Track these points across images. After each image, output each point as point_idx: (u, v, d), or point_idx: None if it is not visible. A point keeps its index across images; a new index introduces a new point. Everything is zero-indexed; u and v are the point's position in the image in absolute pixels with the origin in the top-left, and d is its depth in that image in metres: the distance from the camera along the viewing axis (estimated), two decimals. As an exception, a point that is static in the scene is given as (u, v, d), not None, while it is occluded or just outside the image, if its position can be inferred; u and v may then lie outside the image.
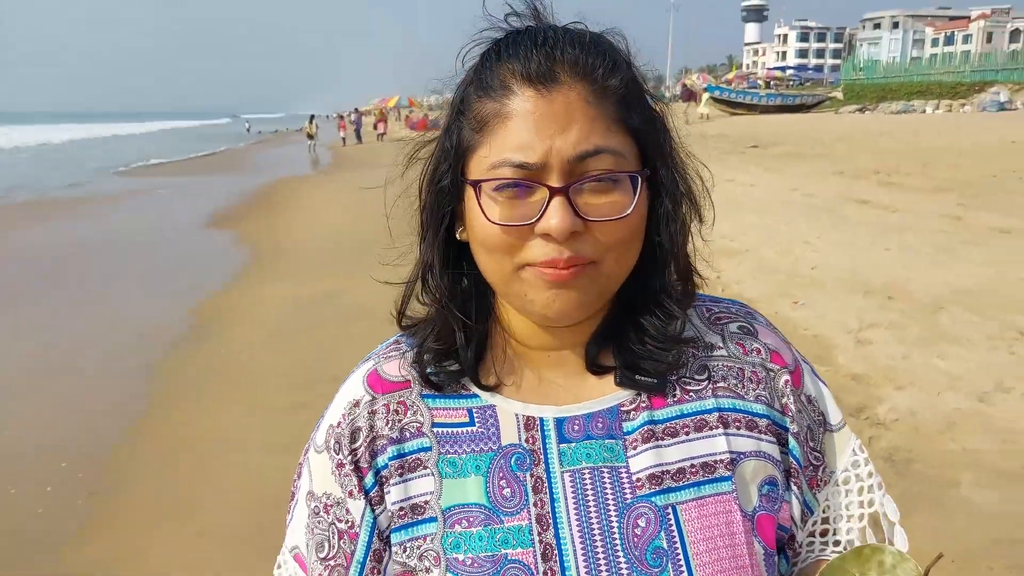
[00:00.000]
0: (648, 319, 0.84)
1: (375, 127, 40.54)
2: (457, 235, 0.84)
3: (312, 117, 36.18)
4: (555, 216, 0.73)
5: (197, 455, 4.16)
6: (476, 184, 0.77)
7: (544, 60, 0.76)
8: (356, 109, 42.89)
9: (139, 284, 8.43)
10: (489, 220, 0.76)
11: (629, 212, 0.75)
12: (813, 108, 42.01)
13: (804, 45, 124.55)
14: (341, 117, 40.39)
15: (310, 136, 34.18)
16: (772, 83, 59.38)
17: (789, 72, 71.54)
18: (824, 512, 0.90)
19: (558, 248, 0.75)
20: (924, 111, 37.26)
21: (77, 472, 4.04)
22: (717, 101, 41.51)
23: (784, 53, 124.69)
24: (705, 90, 44.48)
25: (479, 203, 0.77)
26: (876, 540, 0.89)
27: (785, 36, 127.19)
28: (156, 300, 7.64)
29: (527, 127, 0.75)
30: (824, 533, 0.90)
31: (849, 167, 13.87)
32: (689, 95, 37.58)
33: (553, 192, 0.74)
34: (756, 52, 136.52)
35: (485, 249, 0.79)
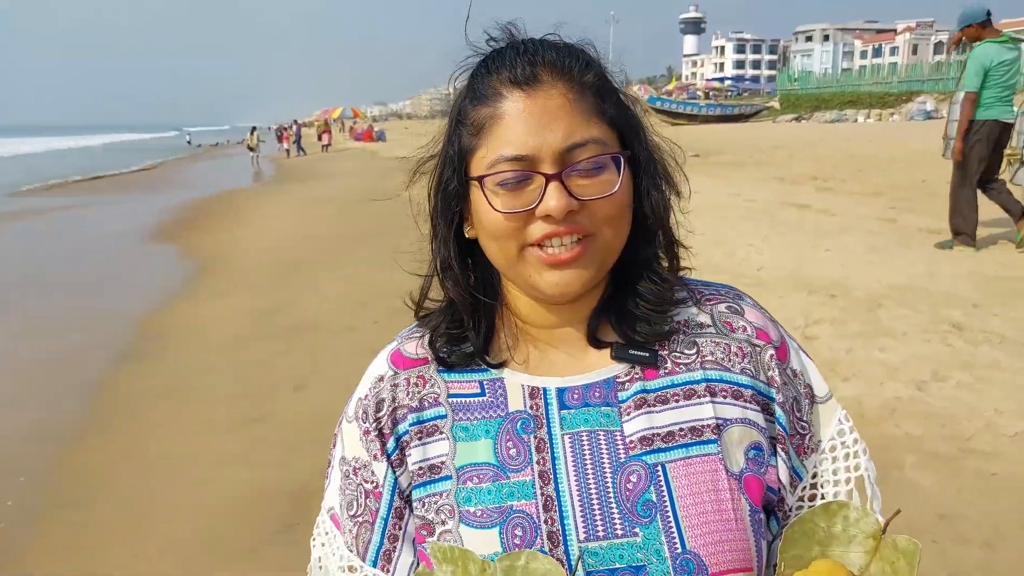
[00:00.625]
0: (643, 285, 0.95)
1: (319, 138, 40.21)
2: (466, 234, 0.95)
3: (254, 129, 35.66)
4: (553, 198, 0.84)
5: (149, 471, 4.10)
6: (480, 180, 0.87)
7: (527, 65, 0.87)
8: (295, 121, 42.45)
9: (76, 301, 8.21)
10: (495, 210, 0.86)
11: (616, 189, 0.87)
12: (751, 117, 43.17)
13: (741, 56, 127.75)
14: (285, 129, 39.89)
15: (251, 148, 33.71)
16: (711, 94, 60.87)
17: (727, 83, 73.42)
18: (813, 478, 0.97)
19: (556, 226, 0.85)
20: (856, 120, 38.62)
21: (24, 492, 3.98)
22: (658, 112, 42.35)
23: (722, 64, 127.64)
24: (647, 101, 45.32)
25: (485, 196, 0.87)
26: (860, 501, 0.95)
27: (722, 48, 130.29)
28: (95, 318, 7.46)
29: (519, 124, 0.85)
30: (813, 498, 0.96)
31: (788, 174, 14.35)
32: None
33: (549, 179, 0.84)
34: (695, 63, 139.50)
35: (492, 237, 0.89)
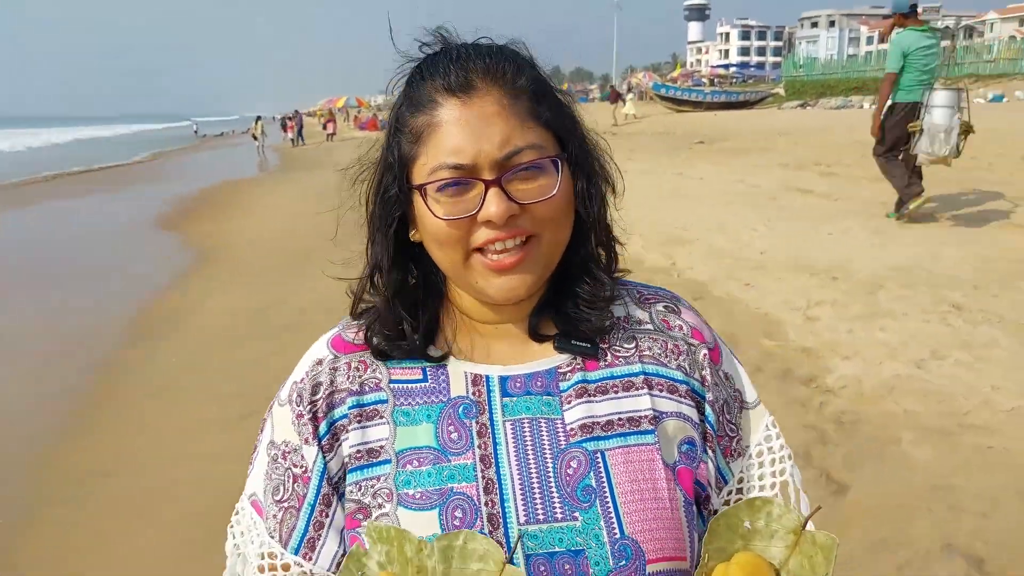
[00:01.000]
0: (580, 287, 0.97)
1: (324, 127, 40.17)
2: (411, 237, 0.95)
3: (258, 118, 35.77)
4: (493, 204, 0.85)
5: (140, 468, 4.14)
6: (422, 188, 0.88)
7: (460, 72, 0.88)
8: (296, 111, 42.39)
9: (75, 289, 8.32)
10: (437, 217, 0.87)
11: (555, 192, 0.88)
12: (756, 104, 42.98)
13: (746, 43, 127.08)
14: (289, 119, 39.88)
15: (255, 137, 33.83)
16: (716, 81, 60.65)
17: (732, 70, 73.09)
18: (739, 483, 1.00)
19: (499, 231, 0.87)
20: (862, 106, 38.46)
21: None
22: (663, 99, 42.22)
23: (727, 51, 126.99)
24: (651, 88, 45.22)
25: (426, 204, 0.88)
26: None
27: (727, 34, 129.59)
28: (91, 309, 7.53)
29: (456, 131, 0.86)
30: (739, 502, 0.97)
31: (791, 159, 14.36)
32: (615, 96, 36.27)
33: (488, 184, 0.85)
34: (700, 50, 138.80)
35: (437, 244, 0.90)
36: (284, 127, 40.30)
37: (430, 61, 0.91)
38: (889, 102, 7.53)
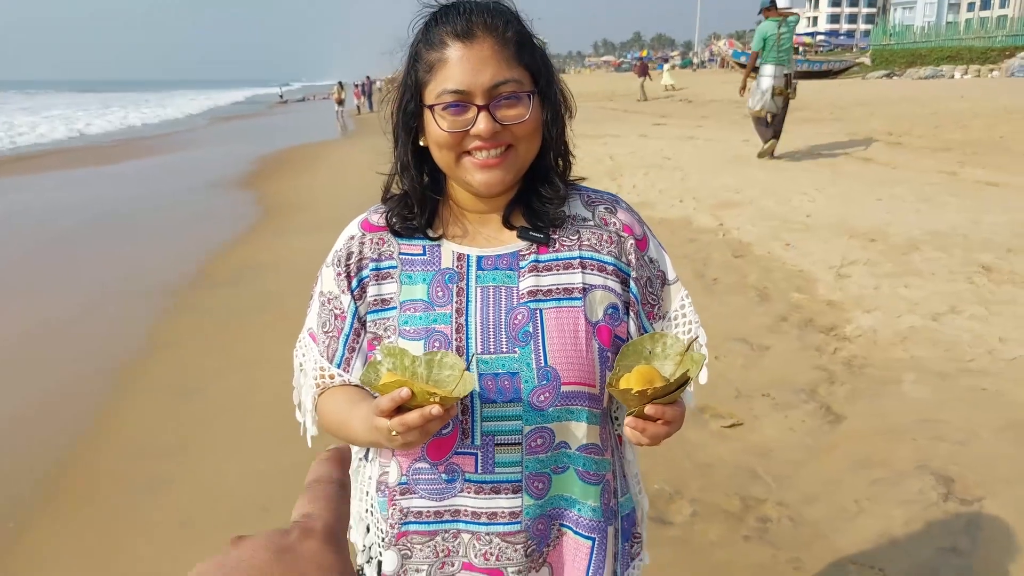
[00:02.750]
0: (543, 187, 1.29)
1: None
2: (420, 142, 1.25)
3: (340, 83, 36.63)
4: (482, 123, 1.16)
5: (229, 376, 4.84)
6: (431, 107, 1.18)
7: (465, 22, 1.16)
8: (367, 77, 42.67)
9: (172, 237, 9.13)
10: (441, 129, 1.17)
11: (527, 117, 1.18)
12: (840, 74, 41.60)
13: (836, 10, 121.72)
14: (357, 86, 40.30)
15: (339, 102, 34.66)
16: (801, 49, 58.64)
17: (819, 38, 70.41)
18: None
19: (485, 142, 1.17)
20: (953, 76, 36.90)
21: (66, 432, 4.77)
22: (742, 67, 41.19)
23: (815, 19, 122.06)
24: (731, 56, 44.19)
25: (434, 119, 1.18)
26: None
27: (816, 1, 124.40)
28: (184, 253, 8.31)
29: (459, 67, 1.15)
30: None
31: (861, 129, 14.22)
32: (642, 69, 31.02)
33: (480, 108, 1.15)
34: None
35: (438, 147, 1.20)
36: (356, 94, 40.73)
37: (444, 11, 1.19)
38: (770, 69, 10.12)
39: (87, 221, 10.16)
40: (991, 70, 36.64)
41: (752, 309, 5.15)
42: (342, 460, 0.51)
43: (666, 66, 36.07)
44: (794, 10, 10.14)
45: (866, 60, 45.01)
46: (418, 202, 1.27)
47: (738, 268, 6.04)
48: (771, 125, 10.49)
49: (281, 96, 66.60)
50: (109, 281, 7.14)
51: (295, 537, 0.41)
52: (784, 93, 10.14)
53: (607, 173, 10.56)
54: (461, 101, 1.15)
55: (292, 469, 3.51)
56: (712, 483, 3.29)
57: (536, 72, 1.21)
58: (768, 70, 10.02)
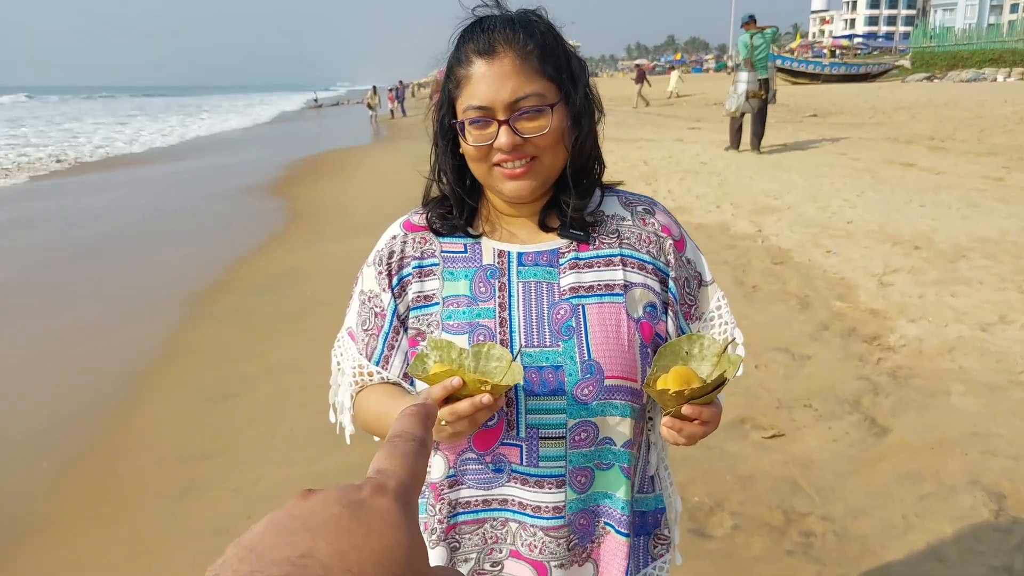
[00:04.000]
0: (575, 192, 1.29)
1: (430, 98, 40.78)
2: (461, 150, 1.27)
3: (375, 88, 36.96)
4: (503, 137, 1.19)
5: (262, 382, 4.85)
6: (459, 122, 1.23)
7: (487, 40, 1.19)
8: (400, 82, 42.99)
9: (190, 244, 9.22)
10: (468, 144, 1.22)
11: (547, 130, 1.20)
12: (879, 77, 40.99)
13: (875, 12, 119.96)
14: (391, 91, 40.69)
15: (371, 107, 34.97)
16: (838, 52, 57.90)
17: (857, 40, 69.41)
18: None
19: (507, 155, 1.20)
20: (996, 79, 36.09)
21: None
22: (779, 70, 40.77)
23: (853, 21, 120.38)
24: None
25: (461, 134, 1.23)
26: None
27: (854, 2, 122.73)
28: (187, 264, 8.39)
29: (481, 83, 1.19)
30: None
31: (903, 134, 13.95)
32: (641, 75, 30.01)
33: (500, 123, 1.19)
34: (823, 20, 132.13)
35: (471, 159, 1.25)
36: (389, 99, 41.06)
37: (470, 28, 1.23)
38: (746, 76, 11.72)
39: (121, 226, 10.33)
40: (1036, 73, 35.72)
41: (793, 317, 5.04)
42: (427, 417, 0.49)
43: (674, 73, 34.97)
44: (770, 25, 12.02)
45: (906, 63, 44.25)
46: (456, 204, 1.31)
47: (778, 275, 5.93)
48: (758, 123, 12.23)
49: (316, 101, 67.48)
50: (142, 286, 7.23)
51: (367, 493, 0.40)
52: (759, 95, 11.81)
53: (642, 178, 10.47)
54: (484, 117, 1.19)
55: (326, 475, 3.50)
56: (753, 496, 3.20)
57: (560, 83, 1.22)
58: (743, 76, 11.81)
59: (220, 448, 3.95)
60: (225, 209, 11.54)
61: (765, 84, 11.75)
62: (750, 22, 11.65)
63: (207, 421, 4.28)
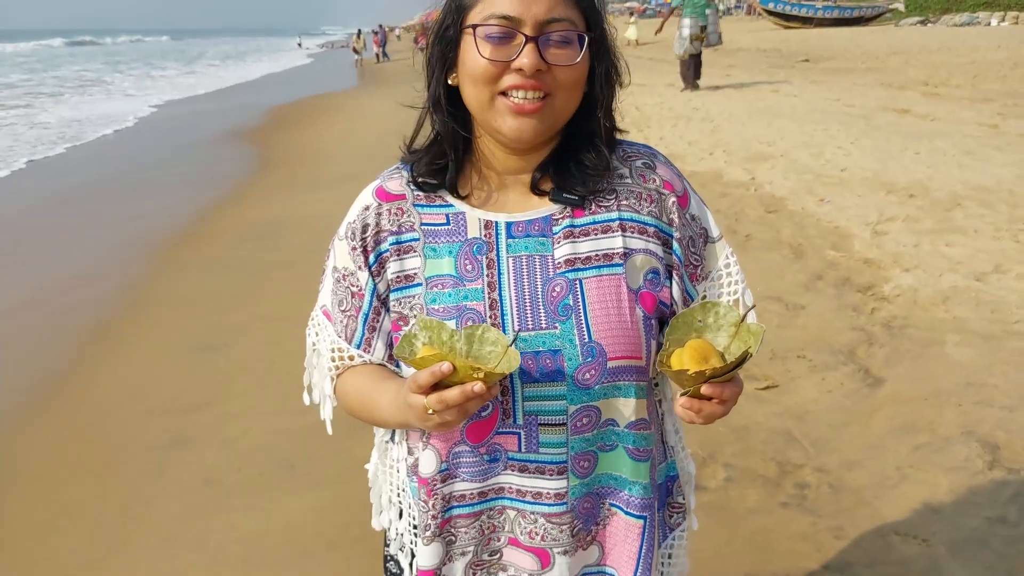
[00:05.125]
0: (585, 154, 1.17)
1: (415, 41, 39.99)
2: (449, 81, 1.13)
3: (359, 32, 36.20)
4: (528, 56, 1.04)
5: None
6: (474, 28, 1.06)
7: None
8: (380, 26, 41.65)
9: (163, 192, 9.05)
10: (481, 55, 1.06)
11: (578, 60, 1.07)
12: (872, 21, 40.33)
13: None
14: (375, 34, 39.50)
15: (356, 51, 34.31)
16: (831, -5, 56.85)
17: (850, -17, 68.18)
18: (703, 299, 1.20)
19: (525, 80, 1.06)
20: (990, 23, 35.65)
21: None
22: (771, 14, 40.14)
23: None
24: (759, 2, 42.98)
25: (475, 43, 1.06)
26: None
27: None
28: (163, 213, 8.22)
29: None
30: None
31: (897, 79, 13.78)
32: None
33: (528, 39, 1.04)
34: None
35: (472, 81, 1.08)
36: (373, 42, 40.06)
37: None
38: (688, 21, 13.13)
39: (103, 175, 10.12)
40: (1031, 17, 35.31)
41: (787, 267, 4.99)
42: None
43: (632, 20, 33.20)
44: None
45: (900, 6, 43.48)
46: (450, 144, 1.16)
47: (771, 224, 5.87)
48: (695, 66, 13.46)
49: (299, 44, 66.11)
50: (126, 236, 7.08)
51: None
52: (700, 38, 13.17)
53: (633, 124, 10.30)
54: (510, 28, 1.04)
55: (318, 426, 3.45)
56: (747, 447, 3.19)
57: (592, 20, 1.11)
58: (687, 22, 13.16)
59: (209, 399, 3.90)
60: (207, 156, 11.31)
61: (703, 29, 13.24)
62: None
63: (196, 372, 4.23)
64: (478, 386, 0.94)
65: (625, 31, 29.51)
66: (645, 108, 11.69)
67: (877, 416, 3.35)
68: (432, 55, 1.15)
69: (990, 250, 4.91)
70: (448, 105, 1.15)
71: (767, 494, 2.91)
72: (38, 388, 4.15)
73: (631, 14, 40.34)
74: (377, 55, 36.81)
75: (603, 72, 1.14)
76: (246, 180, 9.19)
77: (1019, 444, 3.07)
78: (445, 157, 1.18)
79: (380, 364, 1.22)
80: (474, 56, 1.07)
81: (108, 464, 3.40)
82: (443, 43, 1.12)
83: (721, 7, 34.39)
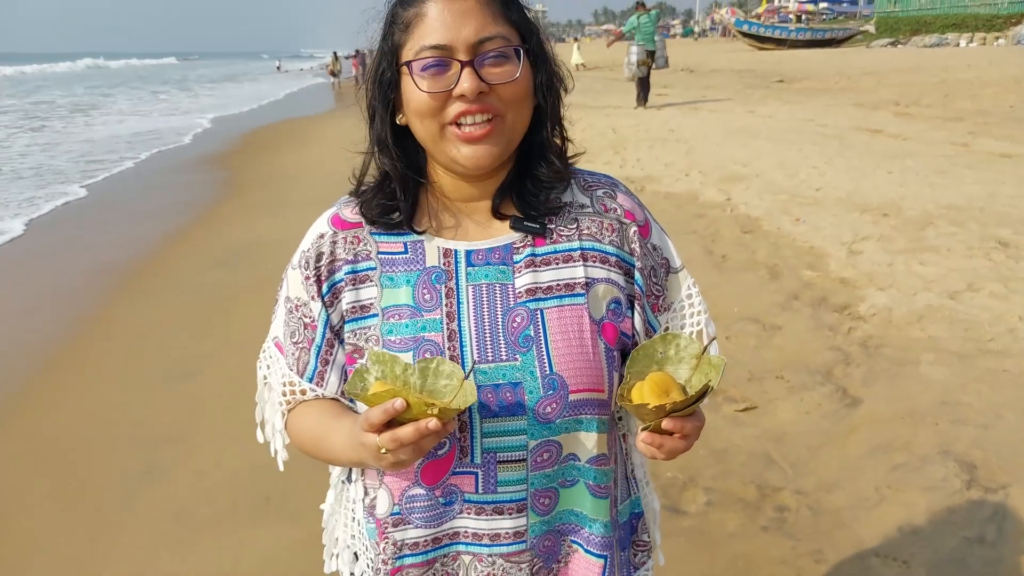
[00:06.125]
0: (538, 169, 1.16)
1: (355, 78, 39.93)
2: (398, 121, 1.12)
3: (336, 55, 36.28)
4: (467, 80, 1.03)
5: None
6: (408, 64, 1.05)
7: None
8: (357, 50, 41.65)
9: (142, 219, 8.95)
10: (420, 90, 1.04)
11: (518, 75, 1.06)
12: (844, 42, 41.10)
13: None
14: (354, 57, 39.51)
15: (333, 73, 34.36)
16: (804, 17, 57.91)
17: (822, 6, 69.47)
18: (665, 330, 1.20)
19: (470, 105, 1.04)
20: (958, 44, 36.41)
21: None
22: (745, 36, 40.78)
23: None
24: (734, 24, 43.65)
25: (413, 80, 1.05)
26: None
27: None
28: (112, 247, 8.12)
29: (439, 20, 1.04)
30: None
31: (869, 99, 14.00)
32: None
33: (463, 64, 1.03)
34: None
35: (418, 116, 1.07)
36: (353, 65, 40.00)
37: None
38: (636, 48, 14.69)
39: (75, 199, 10.00)
40: (996, 38, 36.16)
41: (763, 287, 5.01)
42: None
43: (576, 43, 33.11)
44: (653, 7, 15.37)
45: (870, 28, 44.45)
46: (400, 185, 1.14)
47: (747, 244, 5.89)
48: (644, 87, 14.99)
49: (278, 67, 66.13)
50: (93, 260, 6.98)
51: None
52: (646, 63, 14.65)
53: (610, 146, 10.37)
54: (443, 57, 1.03)
55: (294, 458, 3.40)
56: (727, 470, 3.17)
57: (526, 32, 1.09)
58: (634, 49, 14.75)
59: (180, 428, 3.82)
60: (179, 181, 11.22)
61: (651, 55, 14.79)
62: (640, 5, 15.06)
63: (166, 401, 4.15)
64: (433, 422, 0.90)
65: (569, 57, 29.26)
66: (622, 130, 11.77)
67: (854, 436, 3.35)
68: (372, 98, 1.13)
69: (963, 268, 4.96)
70: (395, 145, 1.13)
71: (747, 518, 2.89)
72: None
73: (575, 39, 40.16)
74: (356, 78, 36.80)
75: (544, 81, 1.12)
76: (215, 204, 9.10)
77: (995, 463, 3.08)
78: (395, 198, 1.15)
79: (333, 398, 1.18)
80: (414, 92, 1.06)
81: (74, 496, 3.31)
82: (382, 85, 1.11)
83: (697, 29, 34.86)
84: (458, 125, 1.06)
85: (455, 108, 1.04)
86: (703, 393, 0.95)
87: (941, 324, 4.28)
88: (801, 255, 5.55)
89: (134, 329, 5.23)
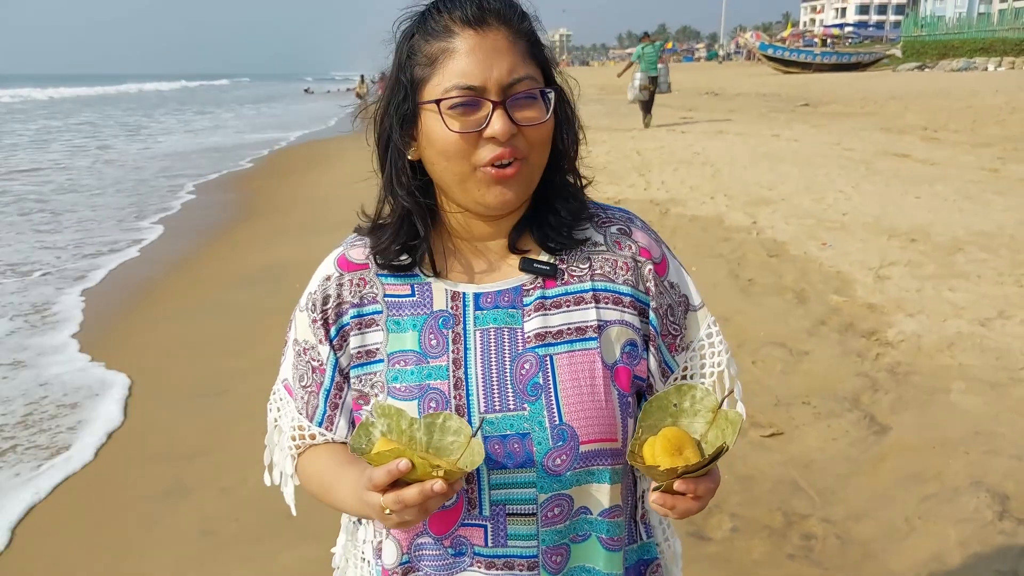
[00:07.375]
0: (563, 205, 1.13)
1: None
2: (410, 156, 1.07)
3: (363, 77, 36.72)
4: (498, 122, 0.99)
5: None
6: (437, 103, 1.00)
7: (477, 9, 1.01)
8: (383, 73, 42.14)
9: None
10: (450, 130, 1.00)
11: (548, 117, 1.04)
12: (870, 66, 40.95)
13: (865, 1, 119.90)
14: (381, 79, 40.09)
15: (359, 96, 34.78)
16: (829, 41, 57.81)
17: (848, 30, 69.32)
18: (683, 372, 1.16)
19: (502, 147, 1.01)
20: (987, 68, 36.11)
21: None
22: (770, 59, 40.77)
23: (844, 10, 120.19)
24: (758, 48, 43.67)
25: (442, 118, 1.00)
26: (721, 392, 1.13)
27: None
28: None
29: (470, 58, 1.00)
30: None
31: (896, 124, 13.92)
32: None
33: (495, 105, 0.99)
34: (814, 9, 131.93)
35: (445, 157, 1.03)
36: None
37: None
38: (639, 75, 16.02)
39: (102, 207, 10.17)
40: (1027, 62, 35.77)
41: (790, 312, 4.97)
42: None
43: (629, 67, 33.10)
44: (659, 37, 16.13)
45: (897, 52, 44.23)
46: (421, 220, 1.09)
47: (774, 268, 5.86)
48: (646, 109, 16.30)
49: (308, 90, 67.07)
50: (124, 276, 7.09)
51: None
52: (648, 88, 16.09)
53: (635, 169, 10.38)
54: (474, 97, 0.99)
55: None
56: (752, 497, 3.14)
57: (548, 73, 1.07)
58: (637, 75, 16.22)
59: (207, 446, 3.85)
60: (205, 200, 11.38)
61: (654, 80, 16.22)
62: (645, 37, 16.97)
63: (194, 418, 4.19)
64: (438, 484, 0.88)
65: (596, 79, 29.17)
66: (646, 152, 11.79)
67: (884, 465, 3.30)
68: (385, 132, 1.09)
69: (993, 295, 4.89)
70: (413, 181, 1.10)
71: (773, 545, 2.85)
72: (22, 439, 4.11)
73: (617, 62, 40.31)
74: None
75: (565, 121, 1.11)
76: (239, 227, 9.21)
77: (1029, 494, 3.02)
78: (415, 237, 1.11)
79: (343, 442, 1.17)
80: (442, 132, 1.01)
81: (100, 513, 3.35)
82: (399, 119, 1.06)
83: (721, 53, 35.24)
84: (488, 166, 1.03)
85: (488, 151, 1.01)
86: (716, 455, 0.92)
87: (972, 352, 4.22)
88: (828, 280, 5.51)
89: (163, 345, 5.30)
